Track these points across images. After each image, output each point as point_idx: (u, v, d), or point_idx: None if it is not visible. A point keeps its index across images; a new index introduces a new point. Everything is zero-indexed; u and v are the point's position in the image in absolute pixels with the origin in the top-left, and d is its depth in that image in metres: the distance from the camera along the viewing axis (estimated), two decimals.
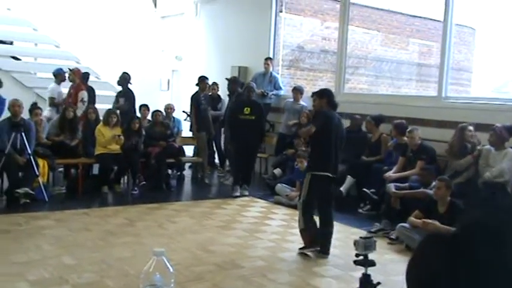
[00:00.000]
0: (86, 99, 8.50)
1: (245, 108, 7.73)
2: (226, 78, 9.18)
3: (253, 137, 7.79)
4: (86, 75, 8.98)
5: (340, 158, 5.32)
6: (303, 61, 10.76)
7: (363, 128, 7.68)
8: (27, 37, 11.40)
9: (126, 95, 9.08)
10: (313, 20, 10.71)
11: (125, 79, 9.05)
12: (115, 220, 6.05)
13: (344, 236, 5.81)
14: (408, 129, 6.66)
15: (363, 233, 5.53)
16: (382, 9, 11.84)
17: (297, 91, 8.73)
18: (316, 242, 5.01)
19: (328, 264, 4.81)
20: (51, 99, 8.79)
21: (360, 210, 6.96)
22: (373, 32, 11.69)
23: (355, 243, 3.07)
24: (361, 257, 3.08)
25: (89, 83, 9.09)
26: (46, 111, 8.65)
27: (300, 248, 5.06)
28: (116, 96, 9.21)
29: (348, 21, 8.64)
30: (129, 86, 9.10)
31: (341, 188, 7.26)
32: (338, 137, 5.12)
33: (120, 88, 9.18)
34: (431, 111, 7.15)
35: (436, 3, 7.64)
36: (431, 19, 11.20)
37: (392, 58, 11.84)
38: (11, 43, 11.09)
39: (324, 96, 5.24)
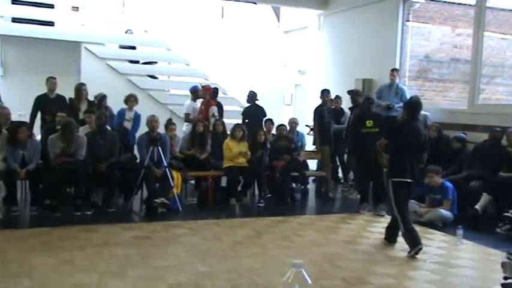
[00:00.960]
0: (216, 113, 8.99)
1: (367, 121, 7.54)
2: (348, 91, 9.06)
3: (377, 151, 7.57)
4: (215, 91, 9.45)
5: (420, 165, 5.77)
6: (431, 71, 10.26)
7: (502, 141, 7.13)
8: (162, 57, 12.29)
9: (249, 108, 9.64)
10: (443, 28, 10.17)
11: (248, 97, 9.65)
12: (243, 231, 6.24)
13: (479, 256, 5.47)
14: None
15: (501, 254, 5.12)
16: None
17: None
18: (418, 241, 5.27)
19: (463, 285, 4.51)
20: (187, 115, 9.36)
21: (498, 230, 6.48)
22: None
23: (503, 265, 2.85)
24: (510, 280, 2.84)
25: (217, 99, 9.53)
26: (184, 127, 9.27)
27: (408, 252, 5.30)
28: None
29: (484, 27, 8.12)
30: (256, 102, 9.60)
31: (476, 206, 6.83)
32: (416, 145, 5.48)
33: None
34: None
35: None
36: None
37: None
38: (156, 63, 12.11)
39: (405, 107, 5.75)
